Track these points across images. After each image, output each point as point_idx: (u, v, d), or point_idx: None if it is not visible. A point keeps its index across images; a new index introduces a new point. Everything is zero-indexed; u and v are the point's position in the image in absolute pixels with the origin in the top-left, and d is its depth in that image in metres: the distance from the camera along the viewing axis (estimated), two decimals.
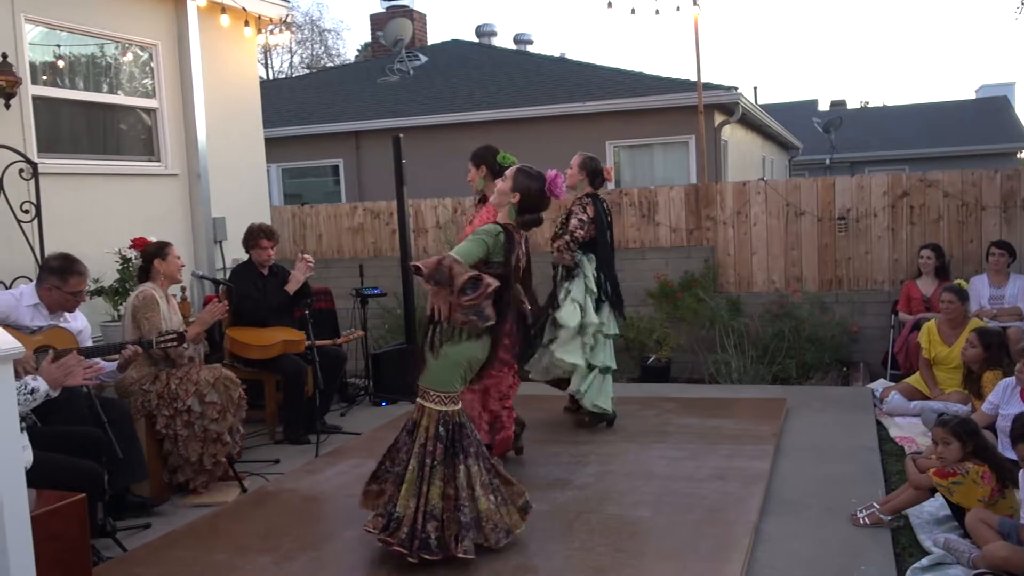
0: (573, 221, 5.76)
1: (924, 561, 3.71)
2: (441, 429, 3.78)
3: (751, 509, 4.28)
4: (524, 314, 4.28)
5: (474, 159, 5.52)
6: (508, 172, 4.07)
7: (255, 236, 6.30)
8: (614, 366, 5.91)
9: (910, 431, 5.73)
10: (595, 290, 5.74)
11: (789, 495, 4.57)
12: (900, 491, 4.20)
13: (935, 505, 4.16)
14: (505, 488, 3.93)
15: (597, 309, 5.74)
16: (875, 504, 4.18)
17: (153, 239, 5.45)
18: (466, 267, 3.67)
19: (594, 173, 5.93)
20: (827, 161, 23.20)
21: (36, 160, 5.76)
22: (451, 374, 3.83)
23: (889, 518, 4.09)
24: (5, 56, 5.54)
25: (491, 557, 3.77)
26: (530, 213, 4.01)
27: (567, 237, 5.73)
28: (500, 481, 3.92)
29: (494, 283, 3.68)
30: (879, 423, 6.00)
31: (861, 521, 4.12)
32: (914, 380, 6.41)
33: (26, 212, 5.66)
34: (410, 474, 3.75)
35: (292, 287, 6.26)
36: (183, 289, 6.30)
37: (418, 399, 3.88)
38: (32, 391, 3.64)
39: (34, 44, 6.05)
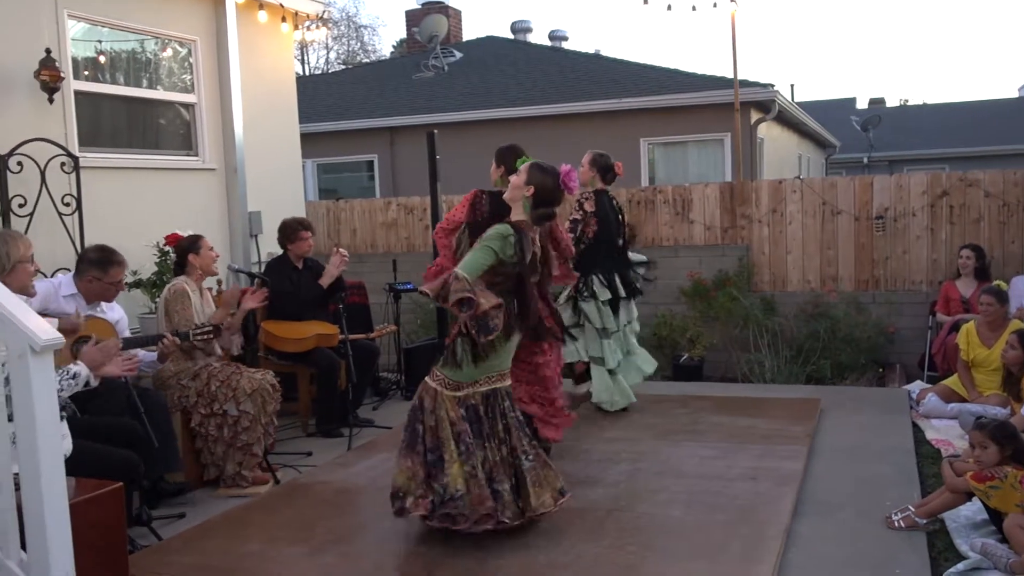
0: (566, 224, 5.80)
1: (960, 566, 3.66)
2: (463, 410, 3.86)
3: (783, 510, 4.24)
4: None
5: (495, 157, 5.55)
6: (522, 167, 4.09)
7: (295, 229, 6.33)
8: (612, 364, 5.99)
9: (947, 434, 5.65)
10: (608, 327, 5.93)
11: (822, 496, 4.52)
12: (936, 494, 4.14)
13: (972, 509, 4.10)
14: (542, 469, 3.96)
15: (615, 311, 5.95)
16: (910, 507, 4.12)
17: (186, 233, 5.52)
18: (465, 283, 3.69)
19: (605, 169, 6.02)
20: (865, 160, 22.89)
21: (77, 154, 5.85)
22: (480, 372, 3.91)
23: (925, 521, 4.04)
24: (49, 51, 5.63)
25: (520, 554, 3.78)
26: (544, 207, 4.03)
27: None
28: (537, 463, 3.95)
29: (488, 304, 3.70)
30: (915, 425, 5.92)
31: (896, 524, 4.06)
32: (952, 382, 6.32)
33: (67, 205, 5.75)
34: (450, 455, 3.80)
35: (326, 281, 6.29)
36: (219, 283, 6.36)
37: (432, 383, 3.94)
38: (74, 376, 3.71)
39: (76, 40, 6.15)
